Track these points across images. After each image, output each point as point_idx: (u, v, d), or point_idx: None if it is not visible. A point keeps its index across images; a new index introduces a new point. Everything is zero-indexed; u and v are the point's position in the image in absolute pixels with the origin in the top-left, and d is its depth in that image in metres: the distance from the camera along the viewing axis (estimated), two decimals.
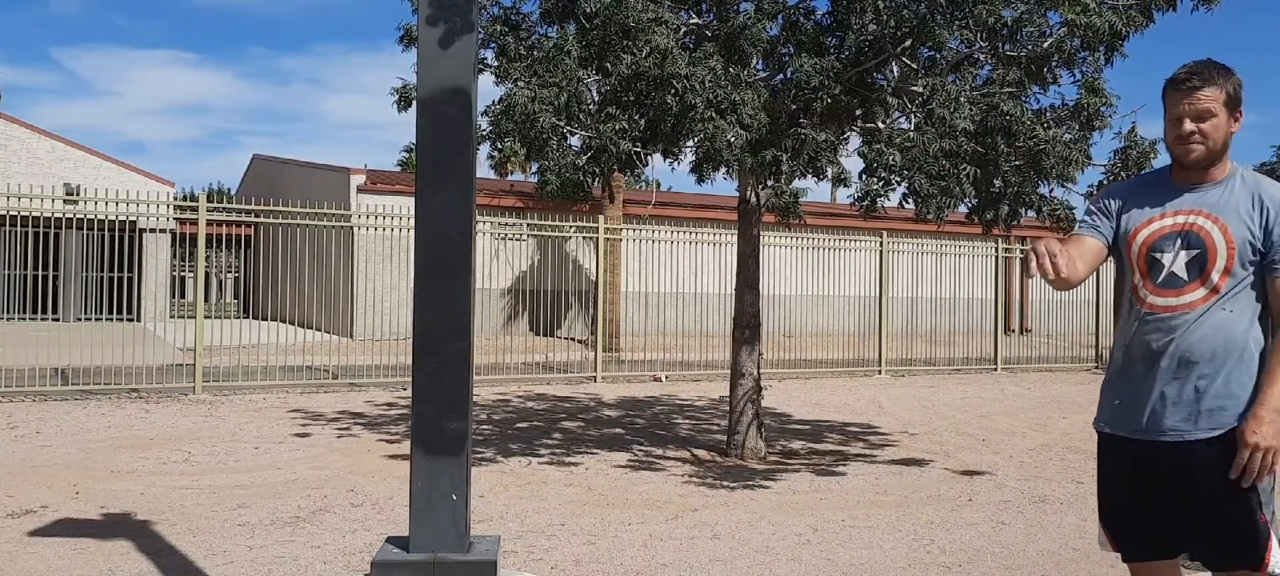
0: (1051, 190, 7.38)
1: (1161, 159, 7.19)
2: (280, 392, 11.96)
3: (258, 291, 24.97)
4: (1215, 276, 2.56)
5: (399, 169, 35.33)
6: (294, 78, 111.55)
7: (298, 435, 8.74)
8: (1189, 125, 2.58)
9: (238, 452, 7.82)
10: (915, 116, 6.86)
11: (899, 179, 6.85)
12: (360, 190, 20.70)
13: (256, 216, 15.57)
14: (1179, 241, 2.62)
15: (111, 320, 18.00)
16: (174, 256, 24.59)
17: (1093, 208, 2.80)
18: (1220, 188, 2.61)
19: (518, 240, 20.13)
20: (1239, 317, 2.55)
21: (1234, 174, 2.63)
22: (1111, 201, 2.79)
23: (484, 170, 27.44)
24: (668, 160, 7.10)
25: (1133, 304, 2.70)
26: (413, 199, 3.20)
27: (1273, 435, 2.44)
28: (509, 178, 30.13)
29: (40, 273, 19.12)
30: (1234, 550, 2.51)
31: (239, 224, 25.38)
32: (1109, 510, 2.80)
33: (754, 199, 8.17)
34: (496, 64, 7.38)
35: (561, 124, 6.52)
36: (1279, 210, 2.53)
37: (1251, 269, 2.57)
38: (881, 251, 17.14)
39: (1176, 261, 2.61)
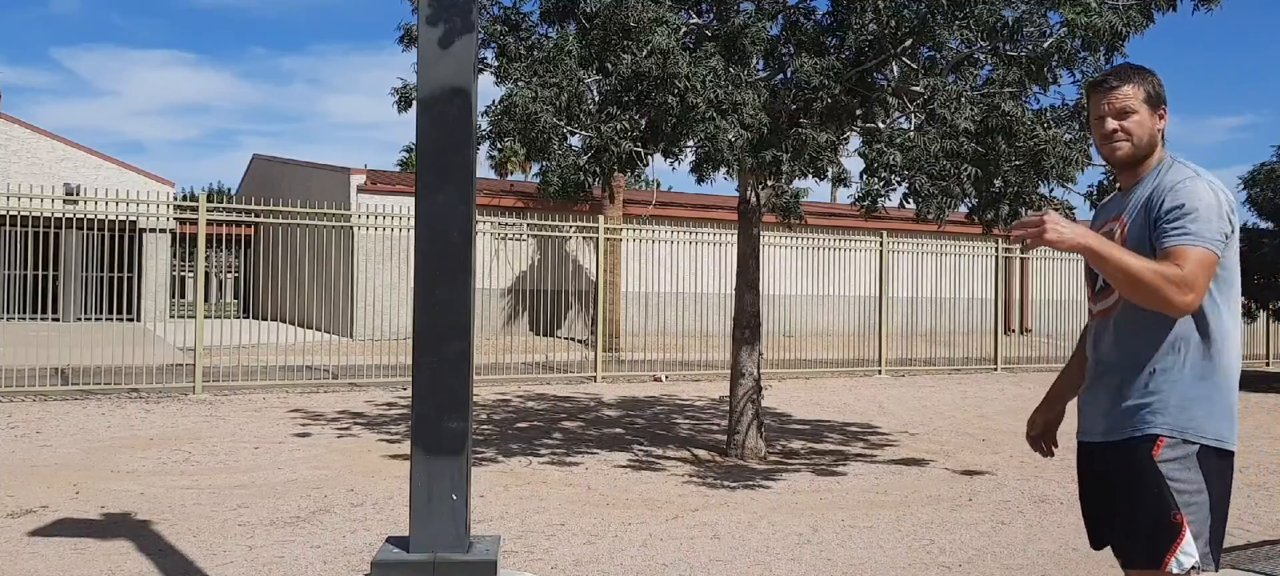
0: (1052, 190, 7.37)
1: None
2: (280, 392, 11.96)
3: (258, 291, 24.97)
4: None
5: (399, 169, 35.35)
6: (294, 78, 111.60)
7: (298, 435, 8.74)
8: (1111, 122, 2.60)
9: (238, 452, 7.82)
10: (916, 116, 6.86)
11: (899, 179, 6.85)
12: (360, 190, 20.70)
13: (256, 216, 15.57)
14: None
15: (111, 320, 17.99)
16: (174, 256, 24.58)
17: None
18: (1141, 185, 2.59)
19: (518, 240, 20.13)
20: (1153, 316, 2.49)
21: (1156, 166, 2.60)
22: (1094, 223, 2.83)
23: (484, 170, 27.41)
24: (668, 160, 7.10)
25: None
26: (413, 199, 3.20)
27: (1061, 229, 2.38)
28: (509, 178, 30.13)
29: (40, 273, 19.12)
30: (1137, 547, 2.52)
31: (239, 224, 25.37)
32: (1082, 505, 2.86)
33: (754, 199, 8.17)
34: (496, 64, 7.38)
35: (562, 124, 6.52)
36: (1161, 194, 2.49)
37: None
38: (881, 251, 17.14)
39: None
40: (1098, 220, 2.77)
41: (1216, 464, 2.48)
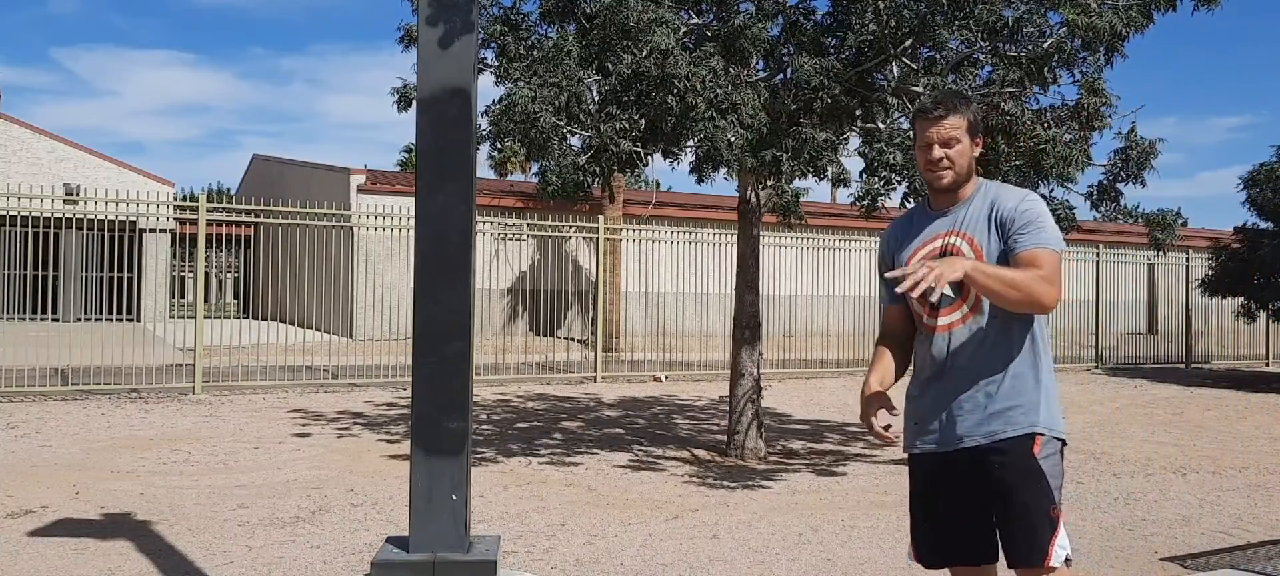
0: (1051, 190, 7.37)
1: (1162, 159, 7.18)
2: (280, 392, 11.96)
3: (258, 291, 24.97)
4: (975, 290, 2.64)
5: (399, 169, 35.35)
6: (293, 78, 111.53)
7: (298, 435, 8.74)
8: (938, 150, 2.74)
9: (238, 452, 7.82)
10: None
11: (899, 179, 6.86)
12: (360, 190, 20.70)
13: (256, 216, 15.57)
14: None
15: (111, 320, 18.00)
16: (174, 256, 24.58)
17: (882, 275, 2.89)
18: (966, 205, 2.75)
19: (518, 240, 20.12)
20: (1012, 323, 2.67)
21: (977, 191, 2.78)
22: (886, 255, 2.94)
23: (484, 170, 27.43)
24: (668, 160, 7.10)
25: (920, 333, 2.83)
26: (413, 199, 3.20)
27: (952, 269, 2.50)
28: (509, 178, 30.13)
29: (40, 273, 19.12)
30: (1023, 544, 2.63)
31: (239, 224, 25.36)
32: (914, 523, 2.89)
33: (754, 199, 8.17)
34: (496, 64, 7.39)
35: (562, 124, 6.52)
36: (1004, 208, 2.67)
37: None
38: None
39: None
40: (907, 233, 2.87)
41: (1063, 456, 2.72)
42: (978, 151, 2.78)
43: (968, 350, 2.70)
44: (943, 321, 2.74)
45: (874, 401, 2.77)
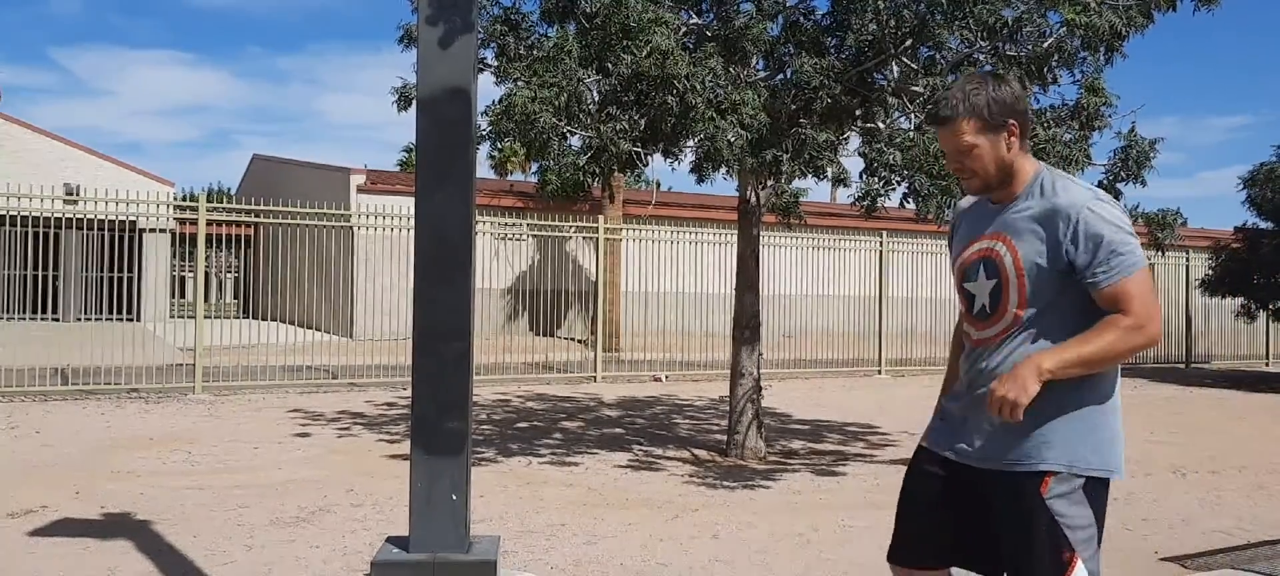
0: None
1: (1162, 159, 7.18)
2: (280, 392, 11.96)
3: (258, 291, 24.96)
4: (1013, 305, 2.41)
5: (399, 169, 35.32)
6: (292, 78, 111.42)
7: (298, 435, 8.74)
8: (955, 162, 2.50)
9: (238, 452, 7.82)
10: (915, 116, 6.86)
11: (899, 179, 6.85)
12: (360, 190, 20.69)
13: (256, 216, 15.57)
14: (982, 269, 2.50)
15: (111, 320, 18.00)
16: (174, 256, 24.58)
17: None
18: (1017, 203, 2.46)
19: (518, 240, 20.12)
20: (1041, 343, 2.38)
21: (1033, 183, 2.46)
22: (951, 248, 2.69)
23: (484, 170, 27.46)
24: (668, 160, 7.10)
25: (964, 339, 2.62)
26: (413, 199, 3.20)
27: (1015, 388, 2.28)
28: (509, 178, 30.11)
29: (40, 273, 19.11)
30: None
31: (239, 224, 25.36)
32: (900, 512, 2.70)
33: (754, 199, 8.17)
34: (496, 64, 7.38)
35: (562, 124, 6.52)
36: (1065, 220, 2.35)
37: (1053, 289, 2.38)
38: (881, 251, 17.14)
39: (982, 292, 2.49)
40: (960, 231, 2.63)
41: (1102, 495, 2.40)
42: (1013, 139, 2.44)
43: (999, 364, 2.44)
44: (980, 334, 2.50)
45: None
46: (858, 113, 7.29)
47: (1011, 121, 2.44)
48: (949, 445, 2.55)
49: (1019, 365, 2.32)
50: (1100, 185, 7.29)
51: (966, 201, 2.70)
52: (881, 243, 17.15)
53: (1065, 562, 2.33)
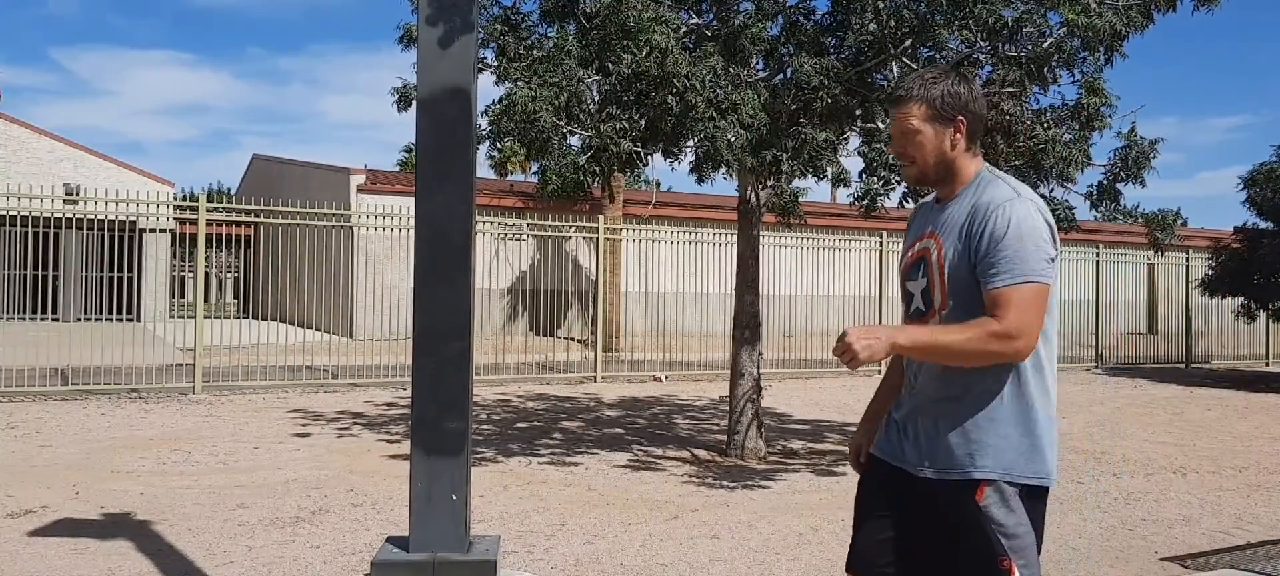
0: (1051, 190, 7.37)
1: (1161, 159, 7.19)
2: (280, 392, 11.96)
3: (258, 291, 24.96)
4: (937, 304, 2.38)
5: (399, 169, 35.32)
6: (292, 78, 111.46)
7: (298, 435, 8.74)
8: (896, 145, 2.46)
9: (238, 452, 7.82)
10: None
11: (899, 179, 6.85)
12: (360, 190, 20.69)
13: (256, 216, 15.57)
14: (920, 269, 2.46)
15: (111, 320, 18.00)
16: (174, 256, 24.58)
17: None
18: (954, 202, 2.41)
19: (518, 240, 20.12)
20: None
21: (972, 182, 2.41)
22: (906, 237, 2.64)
23: (484, 170, 27.45)
24: (668, 160, 7.10)
25: None
26: (413, 199, 3.20)
27: (863, 340, 2.23)
28: (509, 178, 30.11)
29: (40, 273, 19.12)
30: None
31: (239, 224, 25.37)
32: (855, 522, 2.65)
33: (754, 199, 8.17)
34: (496, 64, 7.38)
35: (562, 124, 6.52)
36: (977, 220, 2.31)
37: (969, 287, 2.33)
38: (881, 251, 17.14)
39: (918, 291, 2.46)
40: (910, 231, 2.60)
41: (1037, 503, 2.36)
42: (959, 136, 2.40)
43: (928, 373, 2.41)
44: None
45: (861, 431, 2.67)
46: (858, 113, 7.29)
47: (960, 118, 2.40)
48: (894, 454, 2.52)
49: (880, 326, 2.32)
50: (1100, 185, 7.30)
51: (926, 201, 2.66)
52: (881, 243, 17.14)
53: (1004, 570, 2.30)
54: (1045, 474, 2.35)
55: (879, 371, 16.53)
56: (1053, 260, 2.29)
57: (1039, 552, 2.38)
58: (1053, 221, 2.35)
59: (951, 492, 2.35)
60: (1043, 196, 7.31)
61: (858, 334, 2.23)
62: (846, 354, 2.23)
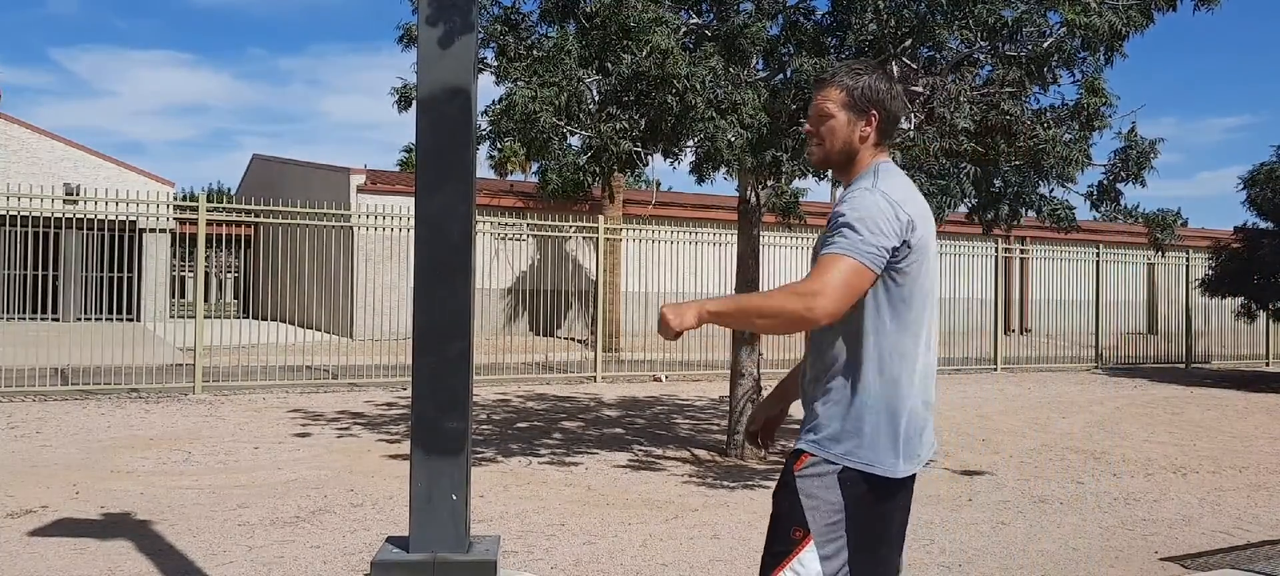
0: (1051, 190, 7.38)
1: (1161, 159, 7.19)
2: (280, 392, 11.96)
3: (258, 291, 24.96)
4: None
5: (399, 169, 35.33)
6: (292, 78, 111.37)
7: (298, 435, 8.74)
8: (808, 125, 2.50)
9: (238, 452, 7.82)
10: (916, 116, 6.86)
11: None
12: (360, 190, 20.69)
13: (256, 216, 15.57)
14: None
15: (111, 320, 17.99)
16: (174, 256, 24.58)
17: None
18: (846, 190, 2.45)
19: (518, 240, 20.12)
20: (831, 334, 2.37)
21: (863, 174, 2.44)
22: None
23: (484, 170, 27.43)
24: (668, 160, 7.10)
25: None
26: (413, 199, 3.20)
27: (675, 313, 2.31)
28: (509, 178, 30.12)
29: (40, 273, 19.11)
30: (764, 553, 2.44)
31: (239, 224, 25.38)
32: None
33: (754, 199, 8.17)
34: (496, 64, 7.39)
35: (562, 124, 6.52)
36: (840, 201, 2.37)
37: None
38: None
39: None
40: None
41: (865, 490, 2.34)
42: (869, 130, 2.43)
43: (808, 358, 2.48)
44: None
45: (758, 433, 2.73)
46: None
47: (875, 112, 2.43)
48: None
49: (696, 301, 2.35)
50: (1100, 185, 7.30)
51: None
52: None
53: (794, 539, 2.34)
54: (870, 462, 2.33)
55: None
56: (887, 251, 2.28)
57: (883, 549, 2.38)
58: (913, 217, 2.33)
59: (787, 460, 2.44)
60: (1042, 196, 7.36)
61: (669, 307, 2.33)
62: (661, 326, 2.32)
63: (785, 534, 2.37)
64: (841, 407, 2.36)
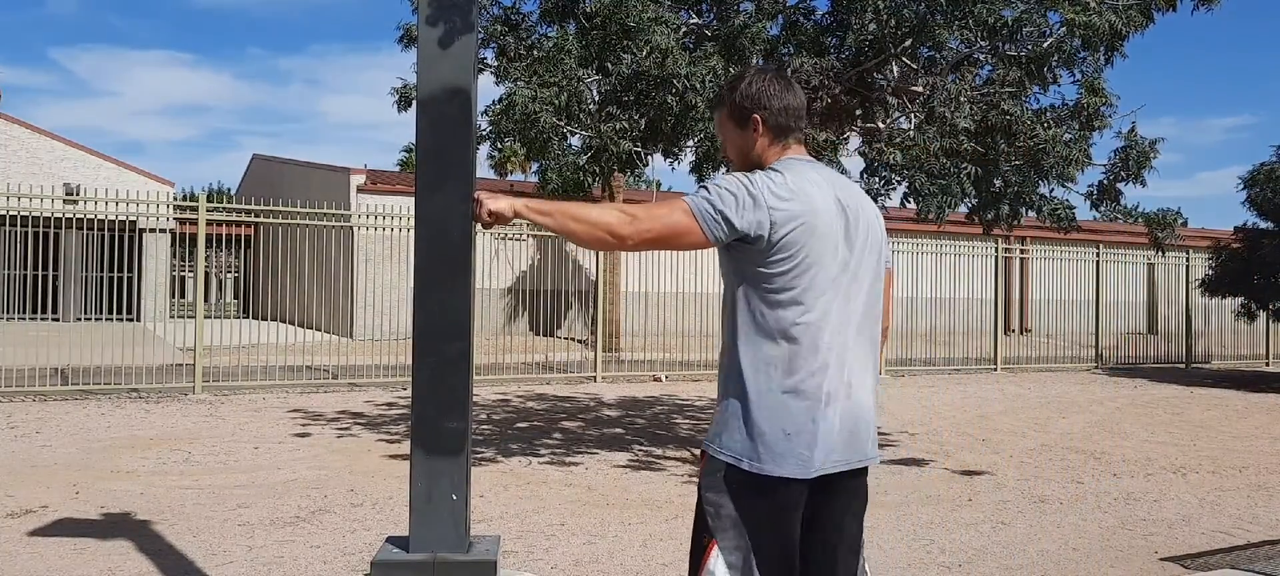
0: (1051, 190, 7.38)
1: (1161, 159, 7.19)
2: (280, 392, 11.96)
3: (258, 291, 24.96)
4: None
5: (399, 169, 35.34)
6: (292, 78, 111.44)
7: (298, 435, 8.74)
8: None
9: (238, 452, 7.82)
10: (915, 116, 6.87)
11: (899, 178, 6.86)
12: (360, 190, 20.70)
13: (256, 216, 15.57)
14: None
15: (111, 320, 18.00)
16: (174, 256, 24.58)
17: None
18: None
19: (518, 240, 20.13)
20: (726, 334, 2.40)
21: None
22: None
23: (484, 170, 27.43)
24: (668, 160, 7.11)
25: None
26: (413, 199, 3.20)
27: (493, 198, 2.47)
28: (509, 178, 30.12)
29: (40, 272, 19.12)
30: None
31: (239, 224, 25.37)
32: None
33: None
34: (496, 64, 7.39)
35: (562, 124, 6.52)
36: None
37: (724, 267, 2.42)
38: None
39: None
40: None
41: (748, 488, 2.29)
42: (758, 136, 2.45)
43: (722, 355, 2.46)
44: None
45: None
46: (858, 113, 7.29)
47: (756, 116, 2.45)
48: None
49: (510, 195, 2.42)
50: (1100, 185, 7.30)
51: None
52: None
53: (703, 546, 2.30)
54: (745, 454, 2.29)
55: (880, 372, 16.53)
56: (725, 221, 2.26)
57: (756, 546, 2.30)
58: (789, 212, 2.29)
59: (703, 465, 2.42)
60: (1042, 196, 7.35)
61: (486, 193, 2.50)
62: (475, 209, 2.49)
63: (698, 542, 2.36)
64: (728, 404, 2.35)
